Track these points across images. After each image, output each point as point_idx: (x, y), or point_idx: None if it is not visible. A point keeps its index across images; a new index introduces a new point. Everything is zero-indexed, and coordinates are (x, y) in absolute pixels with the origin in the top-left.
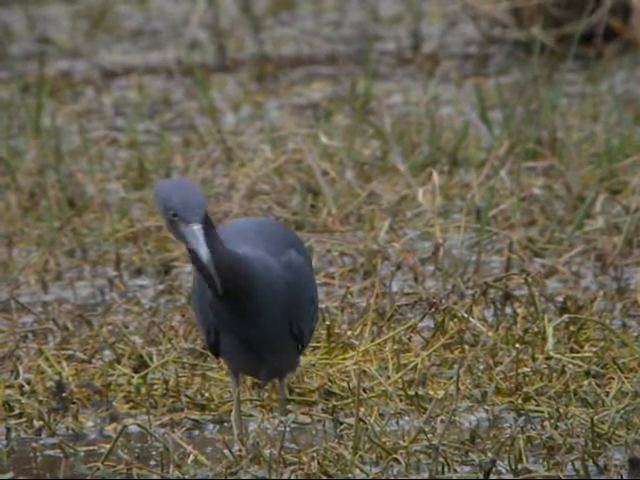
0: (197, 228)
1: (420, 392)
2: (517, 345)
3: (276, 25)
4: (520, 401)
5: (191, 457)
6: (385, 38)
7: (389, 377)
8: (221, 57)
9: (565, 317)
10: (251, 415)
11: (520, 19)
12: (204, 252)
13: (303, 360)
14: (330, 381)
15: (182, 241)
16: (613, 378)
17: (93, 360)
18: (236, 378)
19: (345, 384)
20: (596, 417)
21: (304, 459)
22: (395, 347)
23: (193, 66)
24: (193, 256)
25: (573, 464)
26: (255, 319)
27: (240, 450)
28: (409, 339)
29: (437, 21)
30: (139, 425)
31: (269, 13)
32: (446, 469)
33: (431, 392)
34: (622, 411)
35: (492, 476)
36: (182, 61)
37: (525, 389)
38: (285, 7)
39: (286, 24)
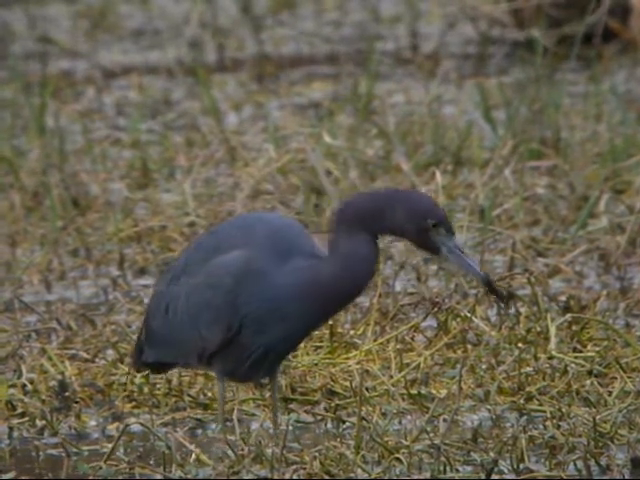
0: (458, 241)
1: (423, 391)
2: (520, 345)
3: (276, 25)
4: (522, 401)
5: (193, 456)
6: (385, 38)
7: (392, 376)
8: (221, 57)
9: (568, 317)
10: (253, 414)
11: (519, 19)
12: (476, 265)
13: (306, 360)
14: (333, 380)
15: (431, 250)
16: (616, 378)
17: (96, 359)
18: (224, 383)
19: (348, 383)
20: (598, 417)
21: (306, 458)
22: (398, 346)
23: (194, 66)
24: (457, 267)
25: (575, 464)
26: None
27: (242, 450)
28: (412, 338)
29: (436, 21)
30: (141, 424)
31: (269, 13)
32: (448, 469)
33: (434, 391)
34: (624, 411)
35: (494, 476)
36: (182, 61)
37: (528, 389)
38: (286, 7)
39: (286, 24)
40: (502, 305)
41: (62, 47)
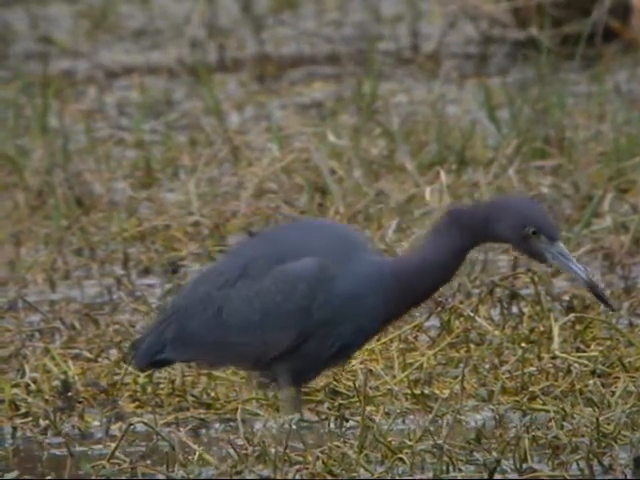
0: (563, 246)
1: (426, 391)
2: (523, 344)
3: (277, 25)
4: (525, 400)
5: (197, 456)
6: (386, 38)
7: (395, 376)
8: (222, 57)
9: (571, 316)
10: (257, 414)
11: (520, 19)
12: (580, 269)
13: None
14: (336, 380)
15: (536, 257)
16: (619, 377)
17: (99, 359)
18: (288, 386)
19: (351, 383)
20: (601, 418)
21: (309, 458)
22: (401, 346)
23: (196, 66)
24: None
25: (578, 463)
26: None
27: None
28: (415, 338)
29: (437, 21)
30: (145, 423)
31: (270, 13)
32: (451, 468)
33: (437, 391)
34: (627, 411)
35: (497, 475)
36: (183, 61)
37: (531, 388)
38: (287, 7)
39: (287, 24)
40: (610, 309)
41: (63, 47)
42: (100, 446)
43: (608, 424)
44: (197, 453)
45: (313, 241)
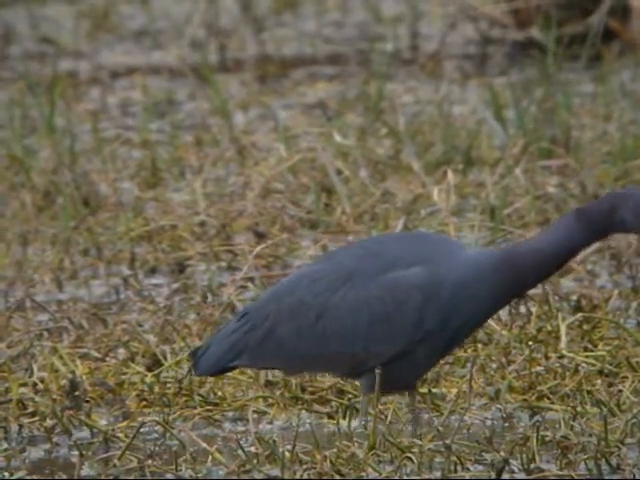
0: None
1: (433, 390)
2: (530, 344)
3: (278, 25)
4: (533, 399)
5: (207, 455)
6: (386, 38)
7: None
8: (223, 57)
9: (579, 316)
10: (265, 412)
11: (519, 20)
12: None
13: None
14: (342, 380)
15: None
16: (627, 377)
17: (107, 358)
18: (369, 397)
19: (357, 383)
20: (610, 427)
21: (317, 457)
22: None
23: (199, 66)
24: None
25: (586, 463)
26: None
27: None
28: None
29: (437, 22)
30: (158, 422)
31: (271, 13)
32: (459, 468)
33: (444, 390)
34: (633, 419)
35: (505, 475)
36: (185, 61)
37: (538, 387)
38: (287, 7)
39: (288, 24)
40: None
41: (64, 48)
42: (108, 445)
43: (615, 433)
44: (208, 452)
45: (415, 250)
